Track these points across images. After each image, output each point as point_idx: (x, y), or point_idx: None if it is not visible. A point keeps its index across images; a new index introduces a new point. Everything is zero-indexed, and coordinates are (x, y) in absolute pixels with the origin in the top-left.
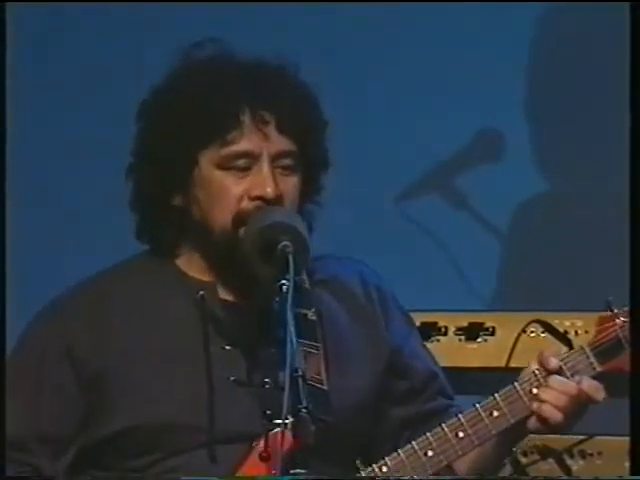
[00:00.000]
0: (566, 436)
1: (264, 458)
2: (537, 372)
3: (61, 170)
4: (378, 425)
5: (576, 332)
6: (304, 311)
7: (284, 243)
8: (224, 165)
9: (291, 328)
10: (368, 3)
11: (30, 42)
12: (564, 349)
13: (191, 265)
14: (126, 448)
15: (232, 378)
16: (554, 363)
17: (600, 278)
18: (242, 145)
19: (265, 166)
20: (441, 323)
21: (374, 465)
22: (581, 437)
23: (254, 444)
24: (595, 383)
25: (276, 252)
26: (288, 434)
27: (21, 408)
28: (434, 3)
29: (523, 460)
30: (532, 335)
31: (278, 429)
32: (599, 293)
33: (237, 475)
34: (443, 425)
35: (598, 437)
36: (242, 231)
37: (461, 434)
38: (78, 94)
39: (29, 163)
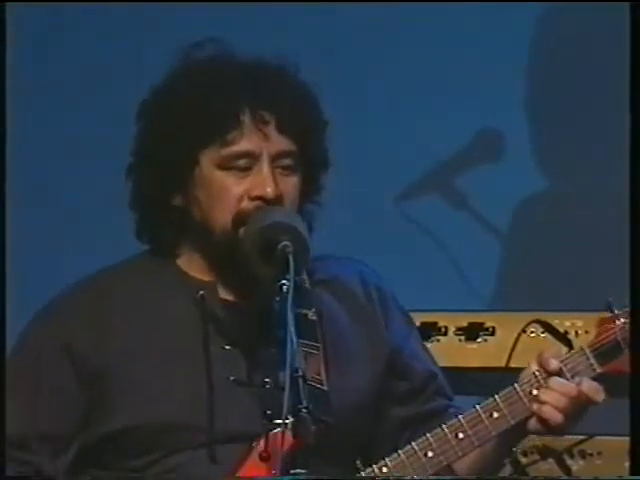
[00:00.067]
0: (566, 436)
1: (264, 458)
2: (537, 373)
3: (61, 170)
4: (378, 425)
5: (576, 332)
6: (304, 311)
7: (284, 243)
8: (224, 165)
9: (291, 328)
10: (368, 3)
11: (30, 42)
12: (564, 349)
13: (191, 265)
14: (126, 447)
15: (232, 378)
16: (554, 364)
17: (600, 278)
18: (242, 145)
19: (265, 166)
20: (441, 323)
21: (374, 465)
22: (581, 437)
23: (254, 444)
24: (595, 384)
25: (276, 252)
26: (288, 434)
27: (21, 407)
28: (434, 3)
29: (523, 460)
30: (532, 335)
31: (278, 429)
32: (599, 293)
33: (237, 475)
34: (443, 426)
35: (598, 437)
36: (242, 231)
37: (461, 435)
38: (78, 94)
39: (29, 163)
